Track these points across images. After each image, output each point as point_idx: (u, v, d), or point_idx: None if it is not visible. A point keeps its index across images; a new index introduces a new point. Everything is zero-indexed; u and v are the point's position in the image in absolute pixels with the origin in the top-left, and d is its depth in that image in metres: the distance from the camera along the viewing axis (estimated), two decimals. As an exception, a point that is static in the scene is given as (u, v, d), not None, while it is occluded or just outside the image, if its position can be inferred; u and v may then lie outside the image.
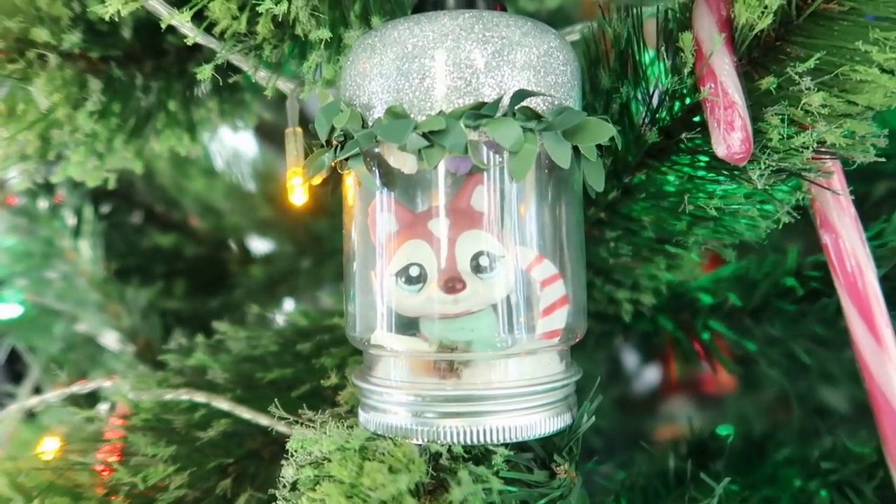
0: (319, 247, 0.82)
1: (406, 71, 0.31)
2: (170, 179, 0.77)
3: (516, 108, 0.30)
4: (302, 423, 0.35)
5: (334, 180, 0.38)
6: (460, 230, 0.35)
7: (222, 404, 0.41)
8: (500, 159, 0.33)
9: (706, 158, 0.34)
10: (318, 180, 0.37)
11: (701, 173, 0.35)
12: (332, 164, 0.33)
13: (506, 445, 0.33)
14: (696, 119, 0.34)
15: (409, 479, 0.27)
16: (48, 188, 0.56)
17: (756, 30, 0.29)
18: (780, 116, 0.30)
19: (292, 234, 0.83)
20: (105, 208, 0.62)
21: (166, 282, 0.71)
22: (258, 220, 0.82)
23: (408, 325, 0.35)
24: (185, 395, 0.41)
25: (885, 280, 0.34)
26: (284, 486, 0.32)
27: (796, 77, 0.29)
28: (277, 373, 0.45)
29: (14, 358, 0.66)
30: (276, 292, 0.79)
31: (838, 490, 0.37)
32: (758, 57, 0.31)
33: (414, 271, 0.34)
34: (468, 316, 0.35)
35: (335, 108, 0.33)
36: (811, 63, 0.28)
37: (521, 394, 0.34)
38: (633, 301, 0.46)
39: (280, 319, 0.51)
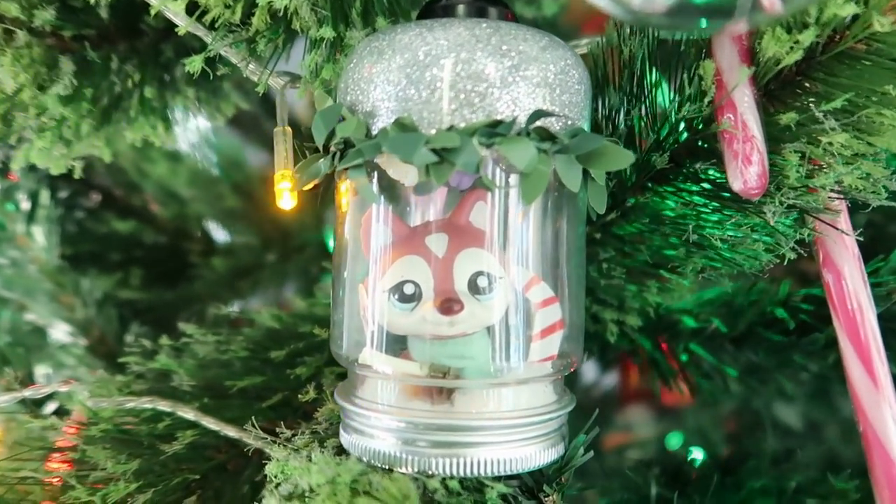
0: (286, 241, 0.79)
1: (416, 80, 0.29)
2: (130, 162, 0.73)
3: (532, 128, 0.29)
4: (278, 442, 0.33)
5: (325, 186, 0.36)
6: (459, 248, 0.33)
7: (188, 414, 0.38)
8: (506, 177, 0.32)
9: (712, 187, 0.33)
10: (309, 186, 0.34)
11: (704, 201, 0.34)
12: (329, 171, 0.31)
13: (498, 479, 0.32)
14: (703, 145, 0.34)
15: (407, 520, 0.26)
16: (2, 169, 0.52)
17: (781, 65, 0.28)
18: (799, 154, 0.29)
19: (258, 226, 0.79)
20: (62, 192, 0.58)
21: (122, 271, 0.68)
22: (223, 210, 0.78)
23: (399, 346, 0.34)
24: (148, 404, 0.39)
25: (880, 319, 0.34)
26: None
27: (819, 115, 0.28)
28: (247, 381, 0.43)
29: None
30: (238, 287, 0.76)
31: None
32: (775, 90, 0.30)
33: (408, 289, 0.32)
34: (462, 338, 0.33)
35: (335, 113, 0.31)
36: (838, 103, 0.28)
37: (516, 425, 0.32)
38: (619, 322, 0.45)
39: (249, 322, 0.48)
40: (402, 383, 0.33)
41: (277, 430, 0.35)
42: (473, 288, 0.32)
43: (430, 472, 0.31)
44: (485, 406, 0.33)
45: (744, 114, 0.29)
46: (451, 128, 0.29)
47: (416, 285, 0.32)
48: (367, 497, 0.26)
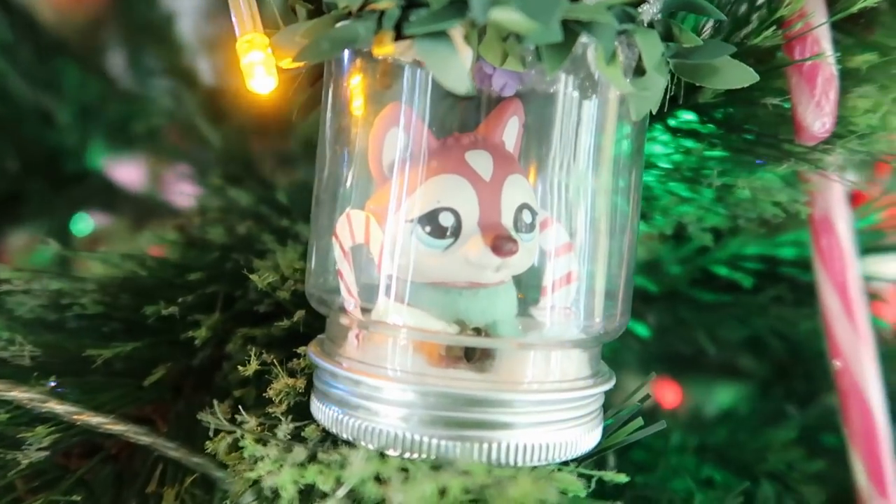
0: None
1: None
2: None
3: (656, 19, 0.23)
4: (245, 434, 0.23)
5: (309, 75, 0.26)
6: (505, 172, 0.26)
7: (55, 407, 0.25)
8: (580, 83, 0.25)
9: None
10: (298, 64, 0.24)
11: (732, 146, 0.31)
12: (375, 39, 0.21)
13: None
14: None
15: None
16: None
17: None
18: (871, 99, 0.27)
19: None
20: None
21: None
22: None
23: (417, 294, 0.25)
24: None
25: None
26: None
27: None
28: (113, 349, 0.30)
29: None
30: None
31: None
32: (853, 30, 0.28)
33: (445, 219, 0.24)
34: (492, 289, 0.26)
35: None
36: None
37: (552, 400, 0.26)
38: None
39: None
40: (420, 343, 0.25)
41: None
42: (519, 223, 0.26)
43: (452, 459, 0.23)
44: (517, 374, 0.26)
45: (827, 50, 0.27)
46: (580, -1, 0.21)
47: (456, 215, 0.24)
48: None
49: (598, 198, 0.27)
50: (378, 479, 0.21)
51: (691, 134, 0.32)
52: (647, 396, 0.27)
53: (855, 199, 0.40)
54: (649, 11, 0.22)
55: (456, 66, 0.21)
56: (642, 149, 0.27)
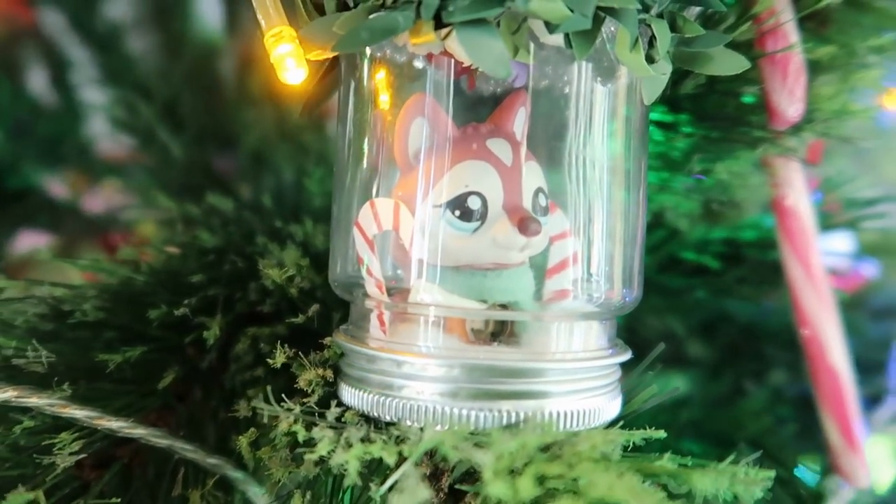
0: None
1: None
2: None
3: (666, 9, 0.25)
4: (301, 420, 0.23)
5: (330, 68, 0.27)
6: (522, 158, 0.27)
7: (74, 411, 0.24)
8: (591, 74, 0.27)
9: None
10: (318, 57, 0.25)
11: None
12: (415, 32, 0.22)
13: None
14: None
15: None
16: None
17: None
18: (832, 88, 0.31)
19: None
20: None
21: None
22: None
23: (447, 275, 0.26)
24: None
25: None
26: None
27: (859, 51, 0.30)
28: (122, 354, 0.29)
29: None
30: None
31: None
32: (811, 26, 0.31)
33: (473, 203, 0.25)
34: (512, 270, 0.27)
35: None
36: (878, 41, 0.30)
37: (576, 369, 0.27)
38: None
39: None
40: (451, 321, 0.26)
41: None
42: (536, 206, 0.27)
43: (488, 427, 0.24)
44: (543, 346, 0.27)
45: (795, 43, 0.30)
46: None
47: (483, 199, 0.26)
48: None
49: (612, 181, 0.28)
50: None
51: (668, 125, 0.35)
52: (657, 365, 0.29)
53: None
54: (662, 2, 0.24)
55: (497, 51, 0.22)
56: (647, 134, 0.29)
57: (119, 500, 0.25)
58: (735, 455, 0.23)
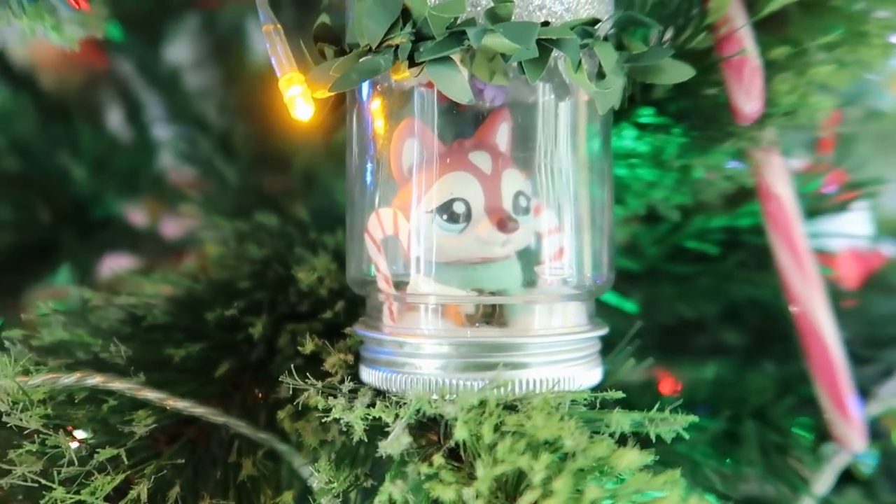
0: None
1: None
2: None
3: (610, 33, 0.29)
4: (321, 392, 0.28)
5: (334, 103, 0.32)
6: (501, 167, 0.32)
7: (148, 394, 0.30)
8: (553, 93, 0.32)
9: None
10: (334, 92, 0.30)
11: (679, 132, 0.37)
12: (394, 70, 0.28)
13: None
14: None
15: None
16: None
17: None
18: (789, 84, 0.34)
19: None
20: None
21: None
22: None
23: (440, 270, 0.31)
24: (90, 381, 0.30)
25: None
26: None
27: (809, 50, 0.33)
28: (185, 349, 0.35)
29: None
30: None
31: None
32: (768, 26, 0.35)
33: (459, 207, 0.30)
34: (500, 263, 0.32)
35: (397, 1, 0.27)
36: (826, 38, 0.33)
37: (557, 343, 0.32)
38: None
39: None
40: (446, 307, 0.31)
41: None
42: (517, 207, 0.32)
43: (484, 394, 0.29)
44: (527, 325, 0.32)
45: (749, 46, 0.33)
46: (545, 23, 0.27)
47: (467, 204, 0.30)
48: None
49: (581, 181, 0.33)
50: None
51: (652, 126, 0.38)
52: (638, 339, 0.33)
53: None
54: (604, 28, 0.29)
55: (459, 81, 0.27)
56: (609, 140, 0.34)
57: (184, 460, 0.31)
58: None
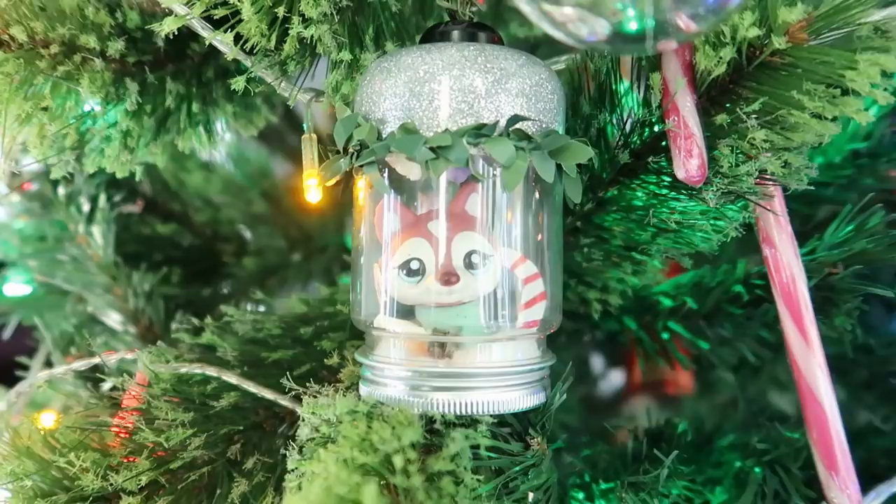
0: (309, 243, 0.87)
1: (417, 93, 0.37)
2: (170, 173, 0.81)
3: (511, 129, 0.36)
4: (310, 395, 0.40)
5: (345, 183, 0.44)
6: (456, 231, 0.40)
7: (231, 378, 0.45)
8: (494, 172, 0.39)
9: (669, 179, 0.40)
10: (331, 182, 0.42)
11: (664, 191, 0.40)
12: (348, 169, 0.38)
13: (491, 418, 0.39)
14: (663, 144, 0.40)
15: (412, 435, 0.32)
16: (66, 177, 0.60)
17: (713, 75, 0.35)
18: (730, 147, 0.35)
19: (284, 228, 0.87)
20: (116, 197, 0.66)
21: (164, 269, 0.75)
22: (252, 215, 0.86)
23: (407, 312, 0.40)
24: (198, 369, 0.46)
25: (815, 289, 0.40)
26: (295, 446, 0.37)
27: (744, 116, 0.34)
28: (280, 353, 0.50)
29: (21, 334, 0.70)
30: (267, 284, 0.83)
31: (770, 468, 0.43)
32: (715, 96, 0.36)
33: (414, 265, 0.39)
34: (460, 305, 0.40)
35: (353, 121, 0.38)
36: (756, 105, 0.34)
37: (502, 373, 0.39)
38: (602, 301, 0.51)
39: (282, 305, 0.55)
40: (409, 341, 0.40)
41: (308, 385, 0.42)
42: (468, 264, 0.39)
43: (431, 412, 0.38)
44: (477, 359, 0.39)
45: (686, 116, 0.36)
46: (445, 131, 0.35)
47: (421, 262, 0.39)
48: (380, 422, 0.33)
49: (534, 238, 0.39)
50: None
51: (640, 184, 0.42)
52: (570, 377, 0.39)
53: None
54: (499, 129, 0.35)
55: (378, 179, 0.37)
56: (557, 205, 0.39)
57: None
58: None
